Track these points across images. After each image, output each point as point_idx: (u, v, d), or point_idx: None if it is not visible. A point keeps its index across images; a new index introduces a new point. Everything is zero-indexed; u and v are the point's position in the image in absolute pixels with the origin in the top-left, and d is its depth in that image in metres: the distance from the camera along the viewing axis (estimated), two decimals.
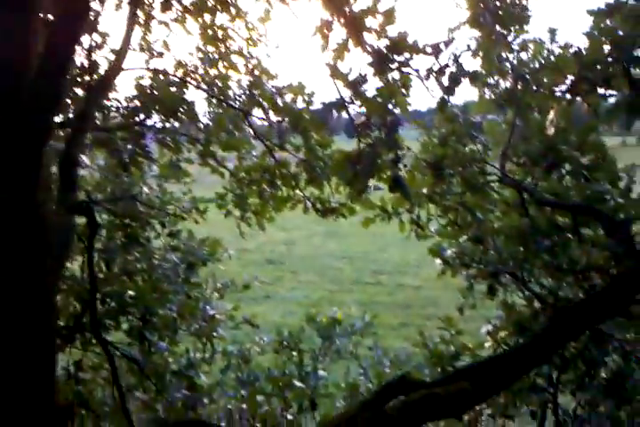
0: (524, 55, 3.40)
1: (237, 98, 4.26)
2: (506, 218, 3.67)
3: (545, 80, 2.79)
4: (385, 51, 2.21)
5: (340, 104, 2.34)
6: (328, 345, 5.49)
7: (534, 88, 3.11)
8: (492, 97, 3.30)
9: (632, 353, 4.32)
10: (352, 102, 2.32)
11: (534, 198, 3.05)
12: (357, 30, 2.23)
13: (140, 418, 4.40)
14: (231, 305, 5.77)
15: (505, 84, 3.30)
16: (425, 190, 3.39)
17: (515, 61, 3.27)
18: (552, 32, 3.30)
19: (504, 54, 3.26)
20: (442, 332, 4.56)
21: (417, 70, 2.29)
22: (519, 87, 2.91)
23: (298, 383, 4.23)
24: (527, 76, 3.11)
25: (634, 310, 3.23)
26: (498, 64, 3.22)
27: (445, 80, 2.28)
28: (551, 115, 2.89)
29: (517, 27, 2.89)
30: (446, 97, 2.31)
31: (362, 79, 2.24)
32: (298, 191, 3.97)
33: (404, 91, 2.30)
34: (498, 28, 2.85)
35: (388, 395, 2.01)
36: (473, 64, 2.94)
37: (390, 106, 2.31)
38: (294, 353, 5.37)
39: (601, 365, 4.16)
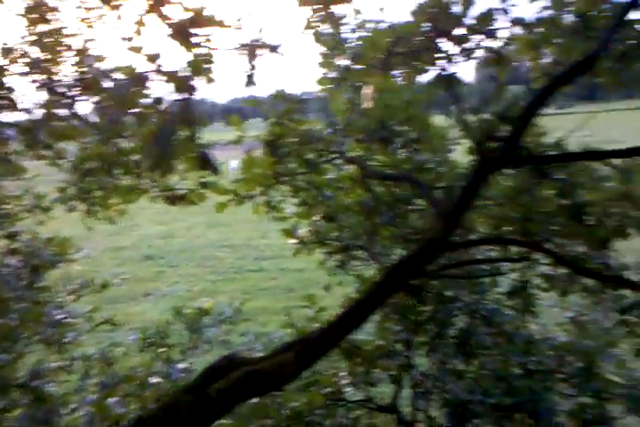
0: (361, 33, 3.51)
1: (66, 83, 3.91)
2: (352, 194, 3.77)
3: (364, 55, 2.88)
4: (186, 24, 2.13)
5: (141, 79, 2.22)
6: (197, 337, 5.36)
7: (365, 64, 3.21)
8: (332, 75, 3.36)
9: (476, 312, 4.73)
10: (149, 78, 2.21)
11: (365, 172, 3.17)
12: (158, 3, 2.12)
13: None
14: (89, 307, 5.43)
15: (341, 61, 3.36)
16: (270, 171, 3.38)
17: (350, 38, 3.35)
18: (381, 10, 3.40)
19: (336, 31, 3.33)
20: (305, 310, 4.64)
21: (220, 45, 2.23)
22: (353, 64, 2.99)
23: (154, 380, 4.08)
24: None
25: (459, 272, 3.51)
26: (335, 41, 3.28)
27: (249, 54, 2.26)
28: (366, 89, 3.02)
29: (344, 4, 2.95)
30: (251, 71, 2.28)
31: (155, 55, 2.14)
32: (143, 180, 3.76)
33: (207, 66, 2.23)
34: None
35: (212, 377, 1.98)
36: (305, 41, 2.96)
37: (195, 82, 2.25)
38: (161, 349, 5.17)
39: (449, 325, 4.49)
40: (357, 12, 3.52)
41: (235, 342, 6.05)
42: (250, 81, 2.29)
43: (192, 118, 2.26)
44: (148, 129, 2.29)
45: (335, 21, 3.44)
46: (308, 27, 2.68)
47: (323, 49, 3.53)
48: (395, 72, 2.80)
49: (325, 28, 3.04)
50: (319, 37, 2.89)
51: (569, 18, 2.93)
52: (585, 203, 3.02)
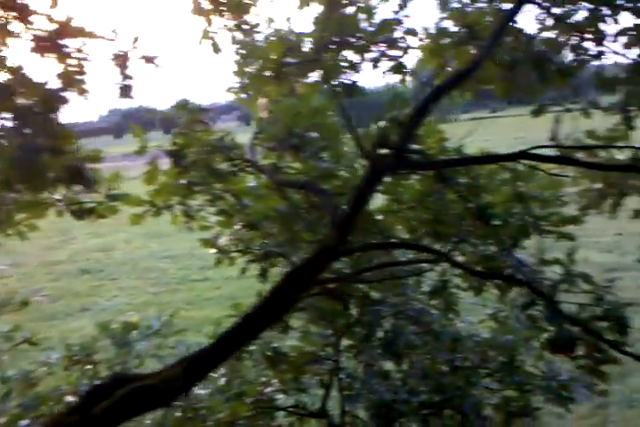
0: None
1: None
2: (270, 201, 3.78)
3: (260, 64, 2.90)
4: (51, 35, 2.08)
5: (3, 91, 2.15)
6: (126, 352, 5.21)
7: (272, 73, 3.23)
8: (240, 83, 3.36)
9: (403, 312, 4.83)
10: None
11: (273, 180, 3.20)
12: (23, 13, 2.06)
13: None
14: (10, 326, 5.19)
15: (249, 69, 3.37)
16: (176, 182, 3.34)
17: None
18: (288, 20, 3.44)
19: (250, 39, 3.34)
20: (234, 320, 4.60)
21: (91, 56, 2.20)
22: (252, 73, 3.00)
23: (69, 398, 3.94)
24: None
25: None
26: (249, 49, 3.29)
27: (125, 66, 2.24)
28: (262, 99, 3.05)
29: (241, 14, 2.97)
30: (125, 82, 2.26)
31: (19, 66, 2.08)
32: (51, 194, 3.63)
33: (79, 77, 2.19)
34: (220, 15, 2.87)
35: (98, 396, 1.93)
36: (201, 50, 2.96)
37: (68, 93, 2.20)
38: (88, 367, 5.00)
39: (376, 327, 4.56)
40: (270, 20, 3.55)
41: (169, 354, 5.91)
42: (125, 92, 2.26)
43: (62, 132, 2.20)
44: (9, 144, 2.21)
45: (247, 29, 3.46)
46: (205, 37, 2.67)
47: (236, 57, 3.55)
48: (304, 80, 2.84)
49: (228, 37, 3.05)
50: (231, 45, 2.89)
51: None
52: (487, 205, 3.14)
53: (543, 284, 3.07)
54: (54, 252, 18.11)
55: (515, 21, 2.71)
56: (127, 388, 1.89)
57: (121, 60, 2.18)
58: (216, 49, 2.80)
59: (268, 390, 4.09)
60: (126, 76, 2.22)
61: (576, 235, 3.56)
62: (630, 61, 2.68)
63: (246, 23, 3.46)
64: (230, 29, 3.27)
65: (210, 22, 2.71)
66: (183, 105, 3.20)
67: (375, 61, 3.26)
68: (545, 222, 3.06)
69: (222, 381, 4.41)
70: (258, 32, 3.45)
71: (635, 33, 3.08)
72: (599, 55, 2.97)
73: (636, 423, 7.80)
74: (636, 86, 2.64)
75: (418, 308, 4.87)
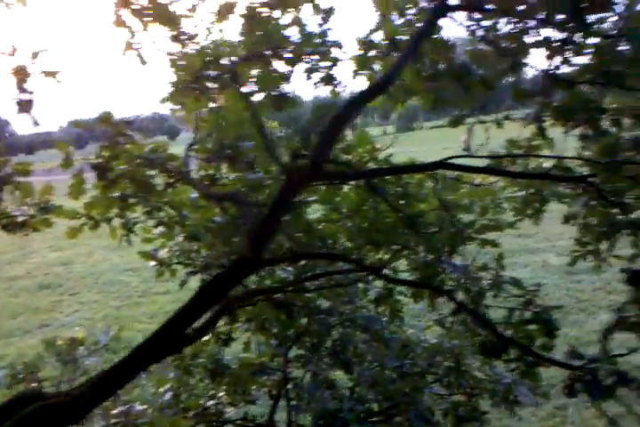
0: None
1: None
2: (208, 212, 3.77)
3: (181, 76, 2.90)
4: None
5: None
6: (73, 368, 5.09)
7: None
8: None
9: (352, 320, 4.85)
10: None
11: (201, 192, 3.20)
12: None
13: None
14: None
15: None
16: (103, 194, 3.30)
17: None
18: (220, 31, 3.45)
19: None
20: None
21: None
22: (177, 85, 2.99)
23: None
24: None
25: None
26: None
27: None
28: (188, 111, 3.05)
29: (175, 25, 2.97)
30: (20, 96, 2.24)
31: None
32: None
33: None
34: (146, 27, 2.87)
35: (3, 414, 1.89)
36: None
37: None
38: (33, 384, 4.86)
39: (325, 336, 4.57)
40: (209, 31, 3.56)
41: None
42: (23, 108, 2.22)
43: None
44: None
45: (184, 40, 3.46)
46: (128, 48, 2.67)
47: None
48: (225, 92, 2.85)
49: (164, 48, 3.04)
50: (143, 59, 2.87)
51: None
52: (417, 213, 3.20)
53: (472, 290, 3.13)
54: (12, 266, 17.61)
55: (432, 33, 2.78)
56: (32, 406, 1.85)
57: (20, 74, 2.14)
58: (142, 61, 2.79)
59: (211, 403, 4.05)
60: (24, 91, 2.19)
61: (535, 239, 3.64)
62: (543, 73, 2.78)
63: (183, 34, 3.47)
64: (165, 41, 3.26)
65: (132, 34, 2.70)
66: (106, 118, 3.17)
67: (309, 72, 3.30)
68: (471, 230, 3.13)
69: (168, 395, 4.35)
70: (195, 43, 3.46)
71: (554, 45, 3.20)
72: (520, 67, 3.07)
73: (592, 424, 7.97)
74: (549, 98, 2.74)
75: (367, 315, 4.91)
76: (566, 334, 9.49)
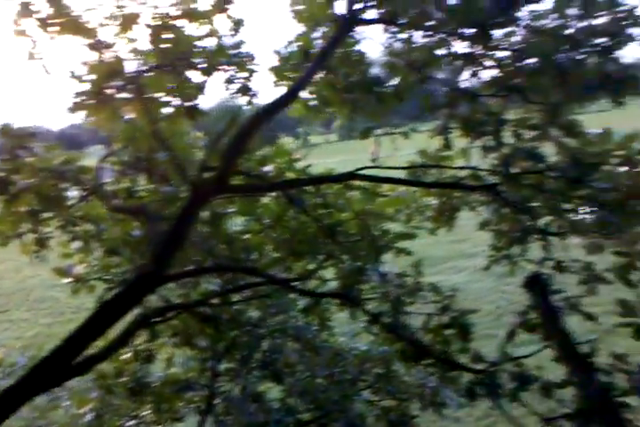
0: None
1: None
2: (127, 226, 3.66)
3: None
4: None
5: None
6: None
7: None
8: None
9: (283, 331, 4.82)
10: None
11: (109, 206, 3.11)
12: None
13: None
14: None
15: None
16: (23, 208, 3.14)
17: None
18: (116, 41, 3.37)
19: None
20: None
21: None
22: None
23: None
24: None
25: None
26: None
27: None
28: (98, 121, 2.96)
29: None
30: None
31: None
32: None
33: None
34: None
35: None
36: None
37: None
38: None
39: (254, 348, 4.51)
40: (131, 40, 3.46)
41: None
42: None
43: None
44: None
45: (100, 48, 3.36)
46: (31, 58, 2.56)
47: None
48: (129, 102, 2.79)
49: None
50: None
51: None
52: (336, 223, 3.23)
53: (391, 297, 3.19)
54: None
55: (341, 46, 2.83)
56: None
57: None
58: (46, 71, 2.69)
59: (132, 423, 3.90)
60: None
61: (470, 244, 3.72)
62: (450, 86, 2.88)
63: (100, 43, 3.37)
64: (74, 50, 3.16)
65: (34, 44, 2.60)
66: (6, 130, 3.02)
67: (228, 83, 3.28)
68: (386, 238, 3.19)
69: (89, 417, 4.16)
70: (113, 51, 3.36)
71: (463, 59, 3.33)
72: (429, 79, 3.17)
73: (524, 422, 8.26)
74: (455, 110, 2.85)
75: (297, 325, 4.89)
76: (498, 335, 9.81)
